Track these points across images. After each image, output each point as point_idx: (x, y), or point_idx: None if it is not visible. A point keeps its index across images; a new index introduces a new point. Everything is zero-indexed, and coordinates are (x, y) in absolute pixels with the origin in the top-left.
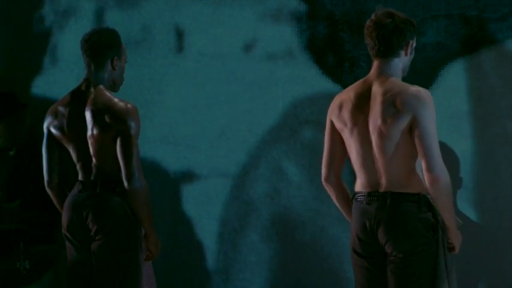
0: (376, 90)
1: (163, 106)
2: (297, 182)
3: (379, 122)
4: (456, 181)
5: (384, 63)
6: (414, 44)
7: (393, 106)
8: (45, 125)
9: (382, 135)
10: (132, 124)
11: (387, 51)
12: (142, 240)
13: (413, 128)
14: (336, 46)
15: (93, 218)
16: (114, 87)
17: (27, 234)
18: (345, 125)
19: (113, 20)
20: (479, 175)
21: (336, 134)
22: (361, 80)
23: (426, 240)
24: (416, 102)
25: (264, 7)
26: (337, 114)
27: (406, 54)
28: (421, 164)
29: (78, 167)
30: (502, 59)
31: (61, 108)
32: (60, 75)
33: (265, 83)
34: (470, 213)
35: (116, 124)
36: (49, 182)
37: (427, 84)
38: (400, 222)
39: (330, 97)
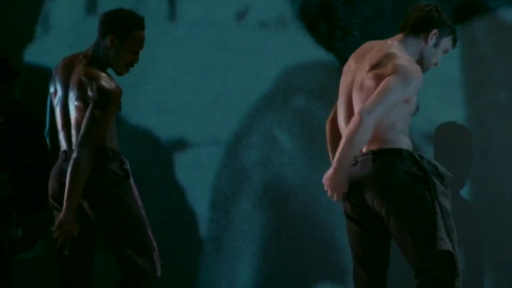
0: (376, 51)
1: (156, 74)
2: (289, 150)
3: (360, 82)
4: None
5: (401, 36)
6: (443, 44)
7: (378, 70)
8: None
9: (363, 95)
10: (107, 104)
11: (407, 28)
12: (134, 194)
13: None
14: (328, 14)
15: None
16: (113, 67)
17: (19, 203)
18: (342, 74)
19: None
20: (472, 143)
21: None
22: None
23: (414, 191)
24: (395, 68)
25: None
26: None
27: (426, 42)
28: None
29: (61, 135)
30: (494, 27)
31: (59, 66)
32: (52, 43)
33: (257, 51)
34: (462, 181)
35: (93, 97)
36: (48, 132)
37: None
38: (382, 177)
39: (322, 65)
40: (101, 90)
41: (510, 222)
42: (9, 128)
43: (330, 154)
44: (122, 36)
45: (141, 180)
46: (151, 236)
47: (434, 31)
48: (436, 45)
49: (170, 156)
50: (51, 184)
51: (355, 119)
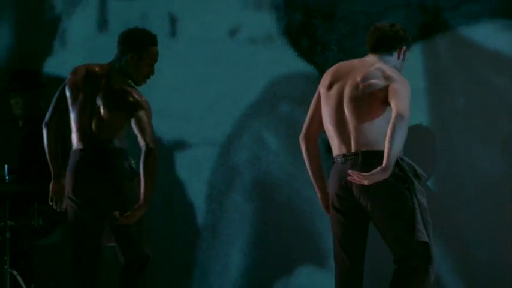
0: (362, 64)
1: (159, 84)
2: (275, 150)
3: (353, 90)
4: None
5: (376, 54)
6: (407, 56)
7: (372, 78)
8: (67, 78)
9: (355, 102)
10: (149, 111)
11: (381, 48)
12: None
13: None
14: (309, 32)
15: (98, 180)
16: (132, 79)
17: (40, 196)
18: (324, 90)
19: (115, 8)
20: (436, 143)
21: (319, 100)
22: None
23: (396, 189)
24: (394, 76)
25: None
26: (322, 83)
27: (398, 58)
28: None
29: (76, 135)
30: (454, 42)
31: (82, 73)
32: (68, 56)
33: (247, 64)
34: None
35: (133, 110)
36: (47, 122)
37: None
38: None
39: (304, 76)
40: (140, 102)
41: (468, 213)
42: (30, 128)
43: (309, 168)
44: (140, 52)
45: None
46: None
47: (404, 48)
48: (404, 59)
49: (171, 155)
50: (70, 180)
51: (401, 119)
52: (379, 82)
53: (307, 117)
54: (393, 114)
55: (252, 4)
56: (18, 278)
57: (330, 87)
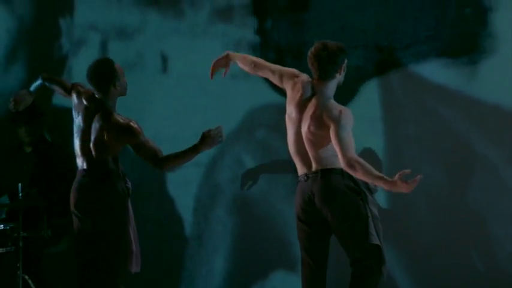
0: (313, 103)
1: (152, 113)
2: None
3: (307, 125)
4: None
5: (322, 83)
6: (345, 62)
7: (319, 120)
8: (82, 91)
9: (310, 135)
10: (139, 136)
11: (326, 76)
12: (130, 212)
13: (332, 134)
14: None
15: (91, 198)
16: (121, 95)
17: (49, 210)
18: (288, 111)
19: (114, 48)
20: (388, 165)
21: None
22: (312, 82)
23: (352, 199)
24: (336, 119)
25: (228, 39)
26: (292, 87)
27: (340, 74)
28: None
29: (80, 158)
30: (405, 78)
31: (86, 97)
32: None
33: (229, 96)
34: (381, 196)
35: (125, 138)
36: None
37: (350, 97)
38: (329, 188)
39: (278, 107)
40: (130, 128)
41: (418, 222)
42: (39, 153)
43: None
44: (112, 81)
45: (142, 192)
46: (133, 239)
47: (342, 66)
48: (344, 69)
49: (163, 174)
50: (72, 196)
51: (352, 164)
52: (324, 126)
53: (270, 65)
54: (343, 162)
55: (232, 44)
56: (30, 282)
57: (290, 113)
